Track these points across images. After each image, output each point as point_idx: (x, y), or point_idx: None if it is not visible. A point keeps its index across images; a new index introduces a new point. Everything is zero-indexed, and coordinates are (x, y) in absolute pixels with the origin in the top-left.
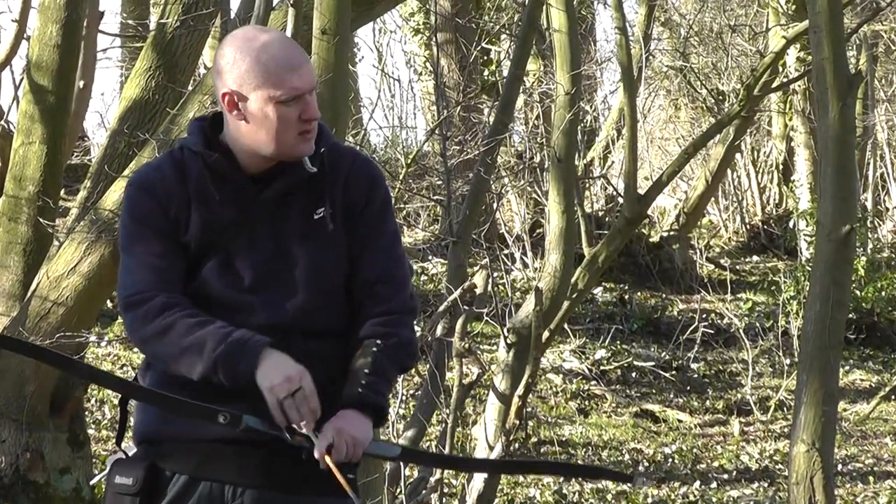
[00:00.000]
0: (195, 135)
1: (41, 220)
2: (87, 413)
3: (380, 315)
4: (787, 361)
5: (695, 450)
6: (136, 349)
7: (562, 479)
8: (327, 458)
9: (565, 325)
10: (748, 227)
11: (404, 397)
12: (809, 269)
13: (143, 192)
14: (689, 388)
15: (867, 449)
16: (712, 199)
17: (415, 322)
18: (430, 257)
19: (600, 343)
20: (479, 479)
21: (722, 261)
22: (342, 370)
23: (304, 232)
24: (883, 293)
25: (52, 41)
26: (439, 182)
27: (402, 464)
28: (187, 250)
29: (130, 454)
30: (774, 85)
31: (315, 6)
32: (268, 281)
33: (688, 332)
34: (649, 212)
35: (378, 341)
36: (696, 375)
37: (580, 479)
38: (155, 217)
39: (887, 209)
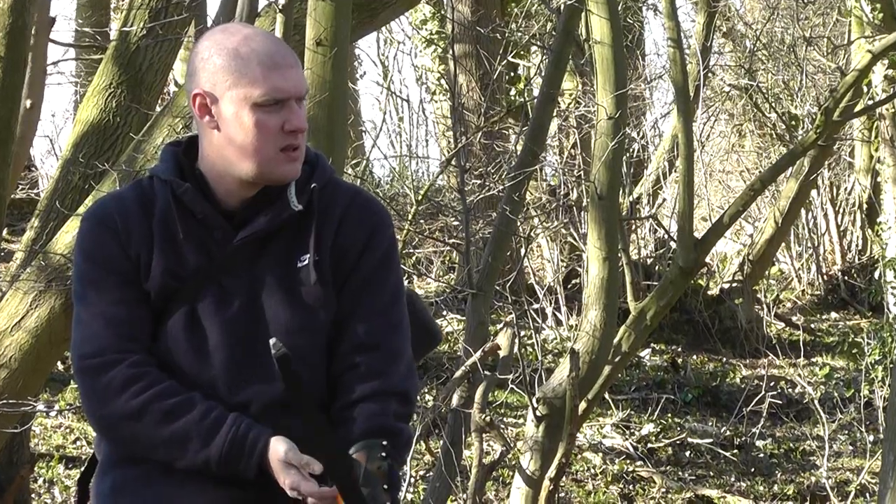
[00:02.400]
0: (166, 161)
1: None
2: (34, 497)
3: (369, 398)
4: (871, 438)
5: None
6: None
7: None
8: None
9: (606, 395)
10: (825, 277)
11: (413, 479)
12: None
13: (101, 227)
14: (753, 469)
15: None
16: (783, 244)
17: (412, 411)
18: (444, 313)
19: (648, 416)
20: None
21: (794, 318)
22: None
23: (283, 284)
24: None
25: None
26: (456, 223)
27: None
28: (148, 301)
29: None
30: (858, 108)
31: (308, 13)
32: (238, 347)
33: (752, 403)
34: (707, 259)
35: (384, 443)
36: (761, 455)
37: None
38: (114, 258)
39: None
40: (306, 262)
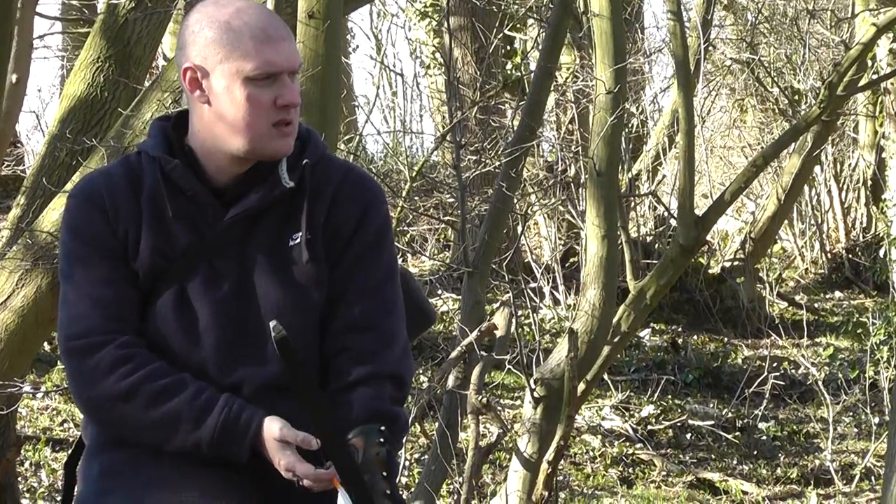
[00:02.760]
0: (155, 137)
1: None
2: (20, 480)
3: (364, 382)
4: (876, 420)
5: None
6: None
7: None
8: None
9: (605, 376)
10: (829, 256)
11: (408, 462)
12: None
13: (89, 203)
14: (755, 452)
15: None
16: (785, 221)
17: (407, 394)
18: (439, 292)
19: (648, 397)
20: None
21: (797, 297)
22: None
23: (273, 263)
24: None
25: None
26: (451, 200)
27: None
28: (137, 280)
29: None
30: (862, 83)
31: None
32: (229, 327)
33: (755, 384)
34: (708, 237)
35: (382, 429)
36: (764, 437)
37: None
38: (101, 235)
39: None
40: (298, 240)
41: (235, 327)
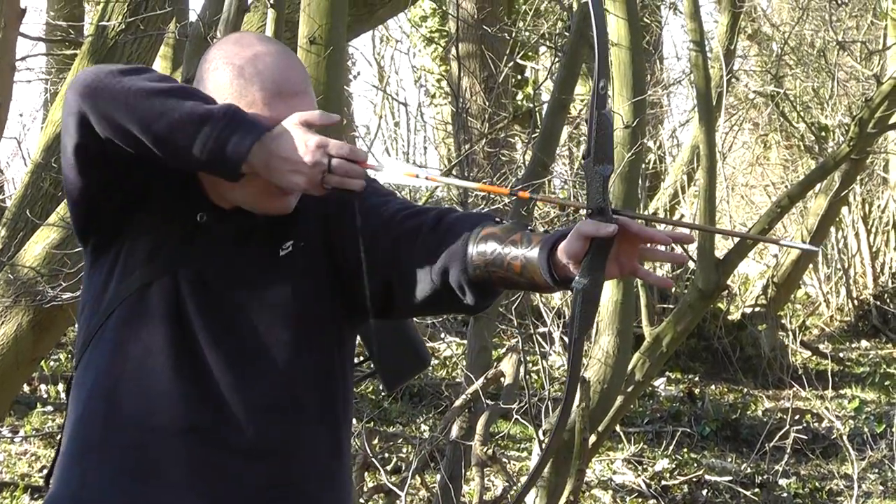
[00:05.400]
0: None
1: None
2: None
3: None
4: None
5: None
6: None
7: None
8: None
9: (618, 428)
10: (856, 302)
11: None
12: None
13: None
14: None
15: None
16: (810, 266)
17: None
18: (443, 336)
19: (662, 450)
20: None
21: (821, 346)
22: (327, 469)
23: (266, 274)
24: None
25: None
26: None
27: None
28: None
29: None
30: (894, 119)
31: (302, 8)
32: (231, 337)
33: (776, 438)
34: (729, 282)
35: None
36: (785, 494)
37: None
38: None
39: None
40: (289, 248)
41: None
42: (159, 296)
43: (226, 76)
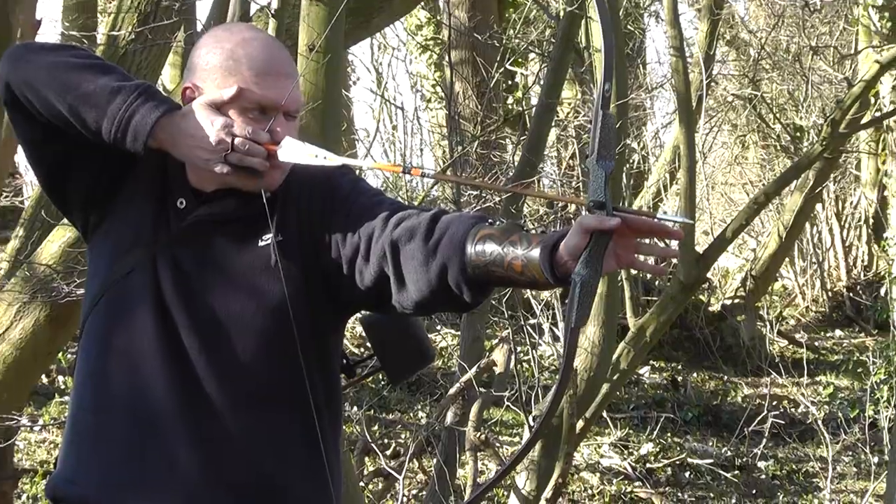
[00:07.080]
0: None
1: None
2: None
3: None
4: (876, 460)
5: None
6: None
7: None
8: None
9: (604, 413)
10: (830, 294)
11: (405, 498)
12: None
13: None
14: (755, 491)
15: None
16: (786, 259)
17: None
18: (438, 328)
19: (647, 435)
20: None
21: (798, 336)
22: (299, 457)
23: (242, 263)
24: None
25: None
26: None
27: None
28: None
29: None
30: (865, 120)
31: (301, 17)
32: (206, 327)
33: (754, 422)
34: (709, 275)
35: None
36: (763, 476)
37: None
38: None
39: None
40: (268, 241)
41: (205, 328)
42: (140, 282)
43: (217, 58)
